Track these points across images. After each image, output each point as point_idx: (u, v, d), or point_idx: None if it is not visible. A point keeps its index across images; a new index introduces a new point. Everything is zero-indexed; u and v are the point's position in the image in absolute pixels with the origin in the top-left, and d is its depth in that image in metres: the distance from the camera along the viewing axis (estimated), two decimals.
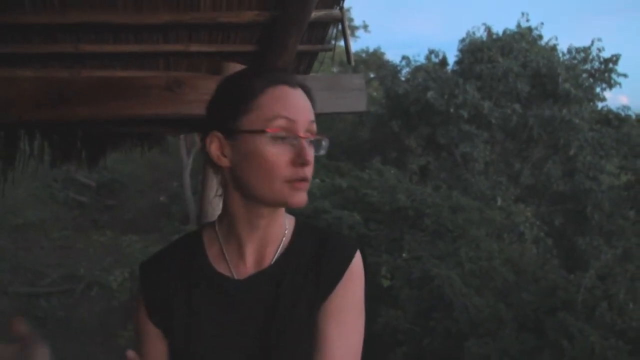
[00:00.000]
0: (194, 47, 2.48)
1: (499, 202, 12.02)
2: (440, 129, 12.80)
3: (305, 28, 2.29)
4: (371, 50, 22.91)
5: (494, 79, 12.56)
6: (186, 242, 1.11)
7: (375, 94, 18.68)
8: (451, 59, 14.87)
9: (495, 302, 7.00)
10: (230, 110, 0.98)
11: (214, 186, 2.57)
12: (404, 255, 7.59)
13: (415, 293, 7.11)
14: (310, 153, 0.97)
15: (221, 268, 1.05)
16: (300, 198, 0.97)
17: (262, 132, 0.95)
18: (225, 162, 0.99)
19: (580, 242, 12.66)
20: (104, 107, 2.38)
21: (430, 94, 12.44)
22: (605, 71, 13.63)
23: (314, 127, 1.00)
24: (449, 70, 14.20)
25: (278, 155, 0.95)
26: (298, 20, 2.20)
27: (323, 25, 2.52)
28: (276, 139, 0.95)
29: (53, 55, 2.37)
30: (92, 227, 14.36)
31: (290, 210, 1.08)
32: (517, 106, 12.32)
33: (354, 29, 24.97)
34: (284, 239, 1.06)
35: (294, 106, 0.97)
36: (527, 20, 13.96)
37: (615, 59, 13.54)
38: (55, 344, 8.67)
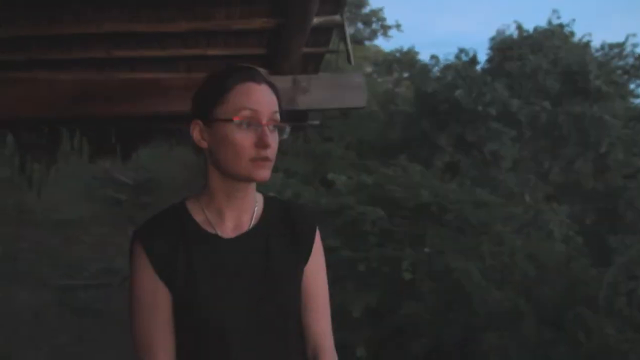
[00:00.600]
0: (212, 52, 2.79)
1: (528, 199, 12.03)
2: (469, 127, 12.87)
3: (308, 33, 2.57)
4: (405, 49, 22.92)
5: (523, 77, 12.55)
6: (173, 212, 1.30)
7: (407, 93, 18.78)
8: (482, 58, 14.89)
9: (516, 296, 7.11)
10: (208, 102, 1.25)
11: None
12: (425, 249, 7.76)
13: (436, 286, 7.28)
14: (270, 137, 1.20)
15: (210, 231, 1.27)
16: (263, 174, 1.20)
17: (231, 120, 1.19)
18: (204, 144, 1.24)
19: (612, 241, 12.53)
20: (133, 105, 2.72)
21: (458, 92, 12.53)
22: None
23: (277, 116, 1.25)
24: (479, 69, 14.23)
25: (243, 139, 1.19)
26: (300, 26, 2.49)
27: (326, 30, 2.79)
28: (241, 126, 1.19)
29: (88, 60, 2.71)
30: (129, 223, 14.95)
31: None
32: (546, 103, 12.28)
33: (386, 28, 25.04)
34: (256, 208, 1.31)
35: (257, 99, 1.21)
36: (558, 18, 13.87)
37: None
38: (91, 334, 9.17)
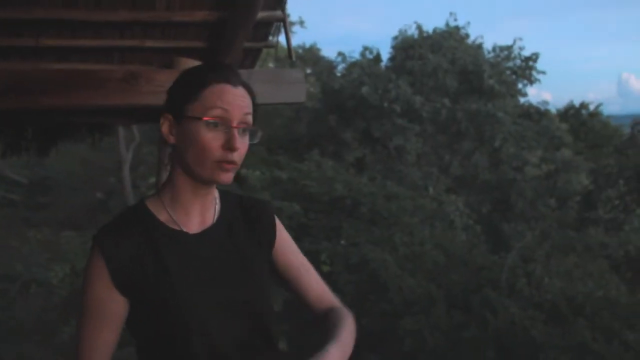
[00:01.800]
0: (149, 43, 2.70)
1: (431, 191, 12.70)
2: (374, 123, 13.32)
3: (252, 28, 2.57)
4: (307, 46, 23.22)
5: (424, 75, 13.20)
6: (134, 212, 1.24)
7: (312, 89, 19.03)
8: (385, 56, 15.45)
9: (427, 283, 7.51)
10: (181, 98, 1.19)
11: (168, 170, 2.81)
12: (342, 242, 7.97)
13: (354, 277, 7.51)
14: (238, 141, 1.15)
15: (174, 227, 1.23)
16: (227, 177, 1.17)
17: (200, 119, 1.14)
18: (172, 140, 1.18)
19: (506, 228, 13.56)
20: (65, 98, 2.56)
21: (364, 89, 12.93)
22: (526, 68, 14.60)
23: (249, 119, 1.19)
24: (383, 67, 14.76)
25: (211, 139, 1.14)
26: (245, 20, 2.47)
27: (266, 24, 2.80)
28: (211, 125, 1.14)
29: (15, 48, 2.53)
30: (24, 225, 13.93)
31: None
32: (446, 101, 13.01)
33: (290, 24, 25.13)
34: (216, 203, 1.30)
35: (230, 101, 1.16)
36: (455, 20, 14.73)
37: (535, 57, 14.53)
38: None
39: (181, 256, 1.20)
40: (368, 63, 14.38)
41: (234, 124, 1.16)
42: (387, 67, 14.49)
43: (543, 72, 14.74)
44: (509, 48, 14.60)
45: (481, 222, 13.80)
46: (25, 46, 2.52)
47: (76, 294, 9.66)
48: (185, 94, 1.18)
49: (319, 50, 22.68)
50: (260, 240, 1.31)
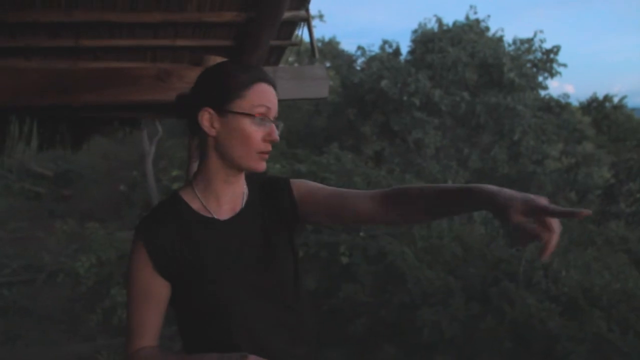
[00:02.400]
0: (180, 42, 2.85)
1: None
2: (393, 117, 13.38)
3: (277, 27, 2.70)
4: (326, 39, 23.27)
5: (444, 68, 13.20)
6: (169, 203, 1.37)
7: (331, 83, 19.08)
8: (404, 49, 15.47)
9: (445, 275, 7.59)
10: (225, 94, 1.30)
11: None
12: (360, 234, 8.09)
13: (372, 268, 7.62)
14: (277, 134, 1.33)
15: (207, 215, 1.35)
16: (264, 165, 1.33)
17: (250, 115, 1.29)
18: (213, 132, 1.30)
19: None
20: (100, 94, 2.73)
21: (384, 82, 12.98)
22: (547, 61, 14.50)
23: (277, 114, 1.37)
24: (402, 60, 14.78)
25: (256, 133, 1.29)
26: (271, 21, 2.61)
27: (291, 23, 2.93)
28: (257, 121, 1.29)
29: (56, 48, 2.70)
30: (49, 217, 14.31)
31: None
32: (465, 94, 13.01)
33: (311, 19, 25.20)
34: (244, 190, 1.42)
35: (270, 99, 1.33)
36: (475, 13, 14.70)
37: (556, 50, 14.42)
38: (18, 331, 8.80)
39: (214, 242, 1.32)
40: (387, 57, 14.43)
41: (272, 119, 1.33)
42: (406, 61, 14.51)
43: (564, 65, 14.64)
44: (530, 41, 14.52)
45: None
46: (64, 47, 2.68)
47: (101, 283, 9.96)
48: (231, 92, 1.30)
49: (338, 43, 22.78)
50: (283, 210, 1.40)
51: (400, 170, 11.55)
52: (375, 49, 15.54)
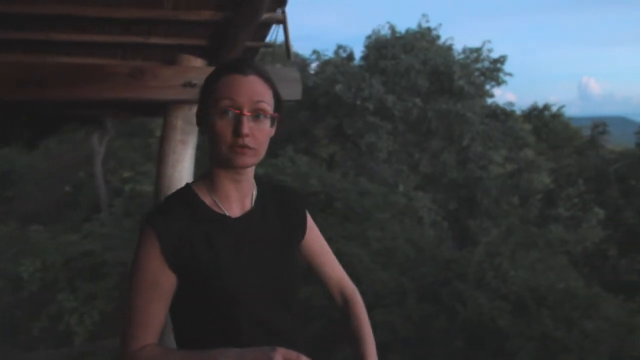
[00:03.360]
0: (153, 40, 2.82)
1: (401, 188, 13.00)
2: (347, 120, 13.54)
3: (255, 28, 2.71)
4: (278, 42, 23.25)
5: (397, 75, 13.48)
6: (182, 196, 1.32)
7: None
8: (357, 55, 15.68)
9: (399, 276, 7.76)
10: (204, 92, 1.29)
11: (170, 162, 2.94)
12: None
13: None
14: (246, 126, 1.22)
15: (219, 211, 1.32)
16: (242, 160, 1.24)
17: (212, 108, 1.24)
18: (202, 130, 1.30)
19: (472, 225, 13.99)
20: (71, 90, 2.66)
21: (338, 87, 13.12)
22: (494, 70, 15.05)
23: (263, 105, 1.26)
24: (356, 65, 14.99)
25: (222, 127, 1.23)
26: (249, 21, 2.62)
27: (266, 25, 2.94)
28: (222, 114, 1.23)
29: (24, 41, 2.62)
30: None
31: None
32: (417, 100, 13.33)
33: None
34: (254, 189, 1.39)
35: (238, 90, 1.24)
36: (427, 21, 15.07)
37: (502, 60, 15.00)
38: None
39: (226, 238, 1.29)
40: (342, 61, 14.59)
41: (245, 112, 1.23)
42: (360, 66, 14.72)
43: (510, 74, 15.24)
44: (478, 50, 15.03)
45: (448, 218, 14.20)
46: (34, 40, 2.60)
47: (46, 288, 9.57)
48: (206, 87, 1.28)
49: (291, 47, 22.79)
50: (292, 226, 1.41)
51: (355, 174, 11.69)
52: (329, 54, 15.69)
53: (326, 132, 15.15)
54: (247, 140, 1.23)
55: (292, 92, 3.06)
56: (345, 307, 1.53)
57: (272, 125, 1.30)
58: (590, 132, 18.42)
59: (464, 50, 15.24)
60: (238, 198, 1.34)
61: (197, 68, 2.94)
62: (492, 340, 6.26)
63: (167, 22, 2.74)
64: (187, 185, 1.36)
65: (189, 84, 2.84)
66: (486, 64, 15.08)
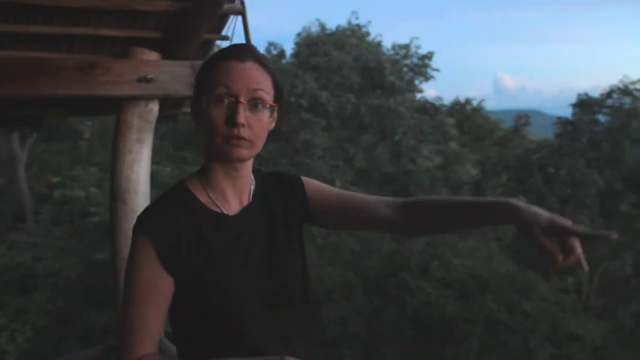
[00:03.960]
0: (103, 32, 2.63)
1: (338, 184, 13.10)
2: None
3: (215, 19, 2.59)
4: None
5: (330, 71, 13.55)
6: (176, 194, 1.24)
7: None
8: (288, 52, 15.63)
9: (345, 271, 7.80)
10: (198, 80, 1.21)
11: (126, 163, 2.76)
12: None
13: None
14: (242, 116, 1.13)
15: (215, 210, 1.23)
16: (237, 153, 1.15)
17: (205, 95, 1.14)
18: (196, 122, 1.19)
19: None
20: (14, 87, 2.44)
21: None
22: (422, 66, 15.46)
23: (261, 94, 1.17)
24: (288, 62, 14.94)
25: (216, 116, 1.13)
26: (210, 12, 2.50)
27: (222, 16, 2.83)
28: (217, 102, 1.13)
29: None
30: None
31: None
32: (351, 96, 13.46)
33: None
34: (252, 184, 1.29)
35: (234, 76, 1.15)
36: (357, 18, 15.25)
37: (430, 56, 15.43)
38: None
39: (222, 238, 1.22)
40: (273, 58, 14.49)
41: (241, 99, 1.14)
42: (291, 63, 14.67)
43: (437, 70, 15.72)
44: (407, 47, 15.39)
45: None
46: None
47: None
48: (200, 76, 1.20)
49: (217, 45, 22.44)
50: (296, 211, 1.31)
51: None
52: (260, 51, 15.52)
53: None
54: (243, 131, 1.13)
55: None
56: (404, 208, 1.27)
57: (270, 116, 1.20)
58: (513, 124, 19.32)
59: (393, 47, 15.57)
60: (235, 194, 1.26)
61: (153, 62, 2.77)
62: (440, 328, 6.41)
63: (119, 13, 2.57)
64: (181, 182, 1.27)
65: (144, 79, 2.68)
66: (414, 60, 15.47)
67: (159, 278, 1.16)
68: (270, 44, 14.85)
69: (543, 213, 1.06)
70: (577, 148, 17.22)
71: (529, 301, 7.00)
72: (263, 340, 1.21)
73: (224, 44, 3.09)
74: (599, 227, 15.61)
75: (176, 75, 2.80)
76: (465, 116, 22.33)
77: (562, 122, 17.93)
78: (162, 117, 3.34)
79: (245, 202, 1.27)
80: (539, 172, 17.02)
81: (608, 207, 16.14)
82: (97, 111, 3.59)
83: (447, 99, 19.00)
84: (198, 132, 1.24)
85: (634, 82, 17.11)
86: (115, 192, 2.75)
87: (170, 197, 1.23)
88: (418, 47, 15.42)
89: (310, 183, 1.34)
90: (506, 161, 18.14)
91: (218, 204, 1.23)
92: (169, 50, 2.81)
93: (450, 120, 21.30)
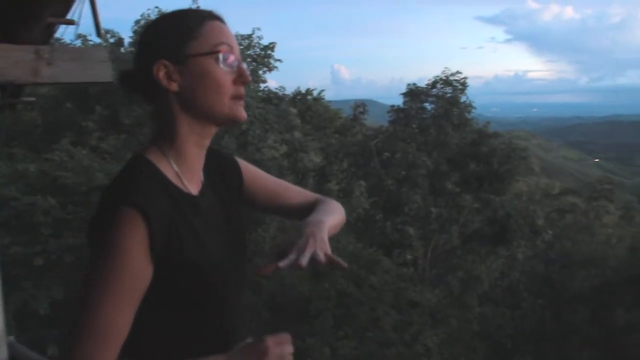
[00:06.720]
0: None
1: None
2: (123, 109, 12.86)
3: (60, 2, 2.50)
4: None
5: None
6: (148, 170, 1.06)
7: None
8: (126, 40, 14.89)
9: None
10: (177, 40, 1.07)
11: None
12: None
13: None
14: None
15: (183, 189, 1.10)
16: (244, 113, 1.12)
17: (215, 53, 1.06)
18: (174, 86, 1.06)
19: None
20: None
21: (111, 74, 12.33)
22: (265, 57, 15.73)
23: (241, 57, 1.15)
24: (127, 51, 14.24)
25: (225, 74, 1.07)
26: None
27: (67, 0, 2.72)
28: (225, 61, 1.07)
29: None
30: None
31: None
32: None
33: None
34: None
35: (230, 37, 1.12)
36: (198, 7, 14.96)
37: (272, 46, 15.75)
38: None
39: (200, 221, 1.11)
40: (111, 47, 13.70)
41: (240, 59, 1.12)
42: (130, 52, 14.01)
43: (280, 61, 16.10)
44: (249, 37, 15.52)
45: None
46: None
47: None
48: (183, 35, 1.08)
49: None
50: (234, 193, 1.26)
51: None
52: (95, 39, 14.60)
53: (99, 123, 14.15)
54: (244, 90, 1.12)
55: (101, 73, 2.89)
56: (314, 204, 1.33)
57: None
58: (352, 113, 20.51)
59: (235, 36, 15.58)
60: (199, 170, 1.15)
61: None
62: (296, 306, 6.74)
63: None
64: (141, 155, 1.09)
65: None
66: (257, 50, 15.67)
67: (144, 269, 0.99)
68: (106, 31, 14.01)
69: (316, 235, 1.14)
70: (409, 133, 18.89)
71: (374, 275, 7.65)
72: (234, 324, 1.19)
73: (70, 28, 2.97)
74: (429, 205, 17.30)
75: (18, 61, 2.65)
76: (307, 106, 23.14)
77: (395, 110, 19.54)
78: None
79: (200, 180, 1.16)
80: (377, 157, 18.36)
81: (436, 187, 17.99)
82: None
83: (288, 89, 19.54)
84: (163, 103, 1.10)
85: (453, 74, 19.19)
86: None
87: (145, 173, 1.05)
88: (260, 37, 15.65)
89: (246, 166, 1.31)
90: (347, 148, 19.26)
91: (184, 180, 1.11)
92: (9, 34, 2.64)
93: (293, 110, 21.98)
